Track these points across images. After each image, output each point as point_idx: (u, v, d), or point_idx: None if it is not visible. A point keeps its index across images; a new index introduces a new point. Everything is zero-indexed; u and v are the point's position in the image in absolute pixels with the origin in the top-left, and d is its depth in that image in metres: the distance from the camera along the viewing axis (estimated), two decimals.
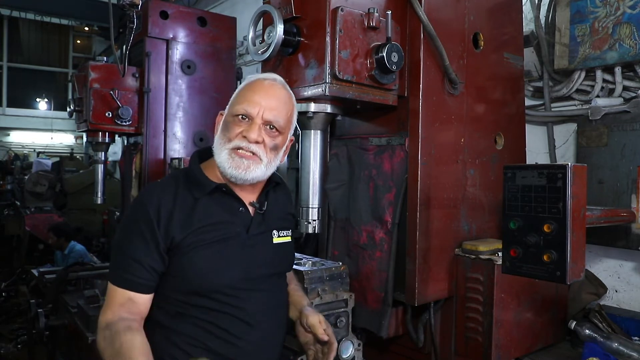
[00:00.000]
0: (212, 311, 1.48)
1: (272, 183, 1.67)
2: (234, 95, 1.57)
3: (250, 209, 1.60)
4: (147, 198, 1.50)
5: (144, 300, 1.47)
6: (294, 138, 1.66)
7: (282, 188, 1.76)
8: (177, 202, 1.49)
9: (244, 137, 1.48)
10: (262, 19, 2.00)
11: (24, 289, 5.01)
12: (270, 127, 1.52)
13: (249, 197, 1.60)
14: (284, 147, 1.59)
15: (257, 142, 1.49)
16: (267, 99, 1.51)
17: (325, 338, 1.59)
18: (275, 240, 1.64)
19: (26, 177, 8.34)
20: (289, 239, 1.70)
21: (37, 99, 15.51)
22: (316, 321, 1.61)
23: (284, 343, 1.70)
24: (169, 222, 1.46)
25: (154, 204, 1.47)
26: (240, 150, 1.49)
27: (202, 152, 1.65)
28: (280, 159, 1.59)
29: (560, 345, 2.33)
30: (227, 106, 1.57)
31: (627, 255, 2.66)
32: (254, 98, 1.50)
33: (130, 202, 3.57)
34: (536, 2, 2.98)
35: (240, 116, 1.50)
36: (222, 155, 1.50)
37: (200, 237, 1.48)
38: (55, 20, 12.62)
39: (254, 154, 1.49)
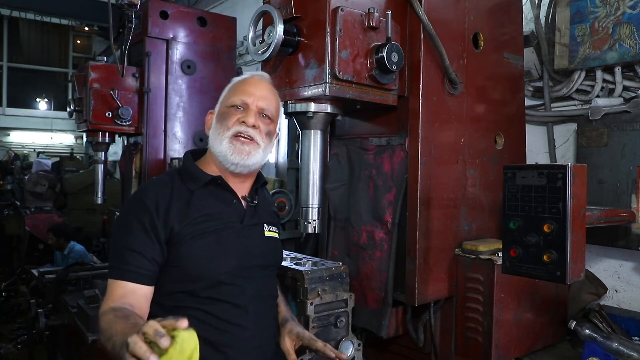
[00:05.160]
0: (209, 300, 1.50)
1: (261, 181, 1.75)
2: (225, 92, 1.67)
3: (243, 202, 1.66)
4: (145, 193, 1.56)
5: (145, 293, 1.46)
6: (279, 132, 1.75)
7: (266, 188, 1.86)
8: (174, 195, 1.54)
9: (243, 122, 1.57)
10: (262, 19, 2.00)
11: (24, 289, 5.01)
12: (263, 115, 1.62)
13: (240, 192, 1.66)
14: (275, 137, 1.70)
15: (254, 127, 1.58)
16: (259, 90, 1.63)
17: (344, 357, 1.62)
18: (267, 233, 1.70)
19: (26, 177, 8.34)
20: (276, 235, 1.77)
21: (37, 99, 15.48)
22: (321, 345, 1.62)
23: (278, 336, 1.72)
24: (167, 213, 1.49)
25: (152, 197, 1.51)
26: (240, 137, 1.57)
27: (195, 151, 1.73)
28: (272, 148, 1.68)
29: (560, 345, 2.32)
30: (218, 103, 1.67)
31: (627, 255, 2.66)
32: (248, 89, 1.62)
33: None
34: (536, 1, 2.98)
35: (235, 106, 1.60)
36: (222, 144, 1.57)
37: (198, 227, 1.52)
38: (55, 20, 12.62)
39: (252, 139, 1.58)
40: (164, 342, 1.00)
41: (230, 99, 1.62)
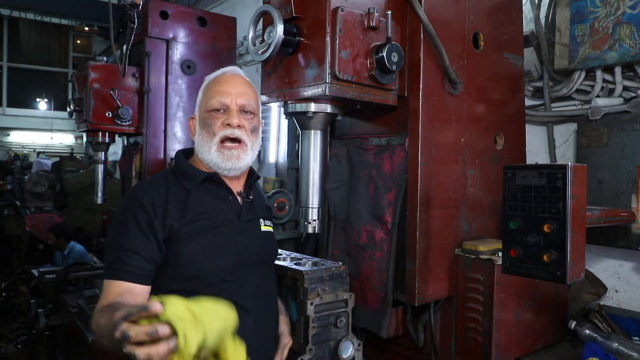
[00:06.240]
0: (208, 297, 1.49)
1: (254, 177, 1.76)
2: (201, 95, 1.65)
3: (238, 198, 1.66)
4: (140, 192, 1.55)
5: (142, 292, 1.45)
6: (263, 121, 1.75)
7: (258, 183, 1.87)
8: (170, 194, 1.54)
9: (227, 124, 1.57)
10: (262, 19, 2.00)
11: (24, 289, 5.01)
12: (244, 111, 1.61)
13: (234, 188, 1.67)
14: (260, 129, 1.70)
15: (239, 127, 1.58)
16: (235, 87, 1.61)
17: None
18: (263, 228, 1.71)
19: (26, 177, 8.34)
20: (271, 229, 1.78)
21: (37, 99, 15.49)
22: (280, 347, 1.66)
23: (277, 333, 1.72)
24: (165, 213, 1.49)
25: (148, 197, 1.51)
26: (228, 142, 1.57)
27: (185, 151, 1.73)
28: (260, 141, 1.69)
29: (560, 345, 2.32)
30: (197, 107, 1.65)
31: (627, 255, 2.66)
32: (224, 89, 1.60)
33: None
34: (536, 1, 2.98)
35: (216, 109, 1.58)
36: (211, 152, 1.58)
37: (195, 225, 1.52)
38: (55, 20, 12.63)
39: (239, 141, 1.58)
40: (162, 330, 1.00)
41: (208, 102, 1.60)
